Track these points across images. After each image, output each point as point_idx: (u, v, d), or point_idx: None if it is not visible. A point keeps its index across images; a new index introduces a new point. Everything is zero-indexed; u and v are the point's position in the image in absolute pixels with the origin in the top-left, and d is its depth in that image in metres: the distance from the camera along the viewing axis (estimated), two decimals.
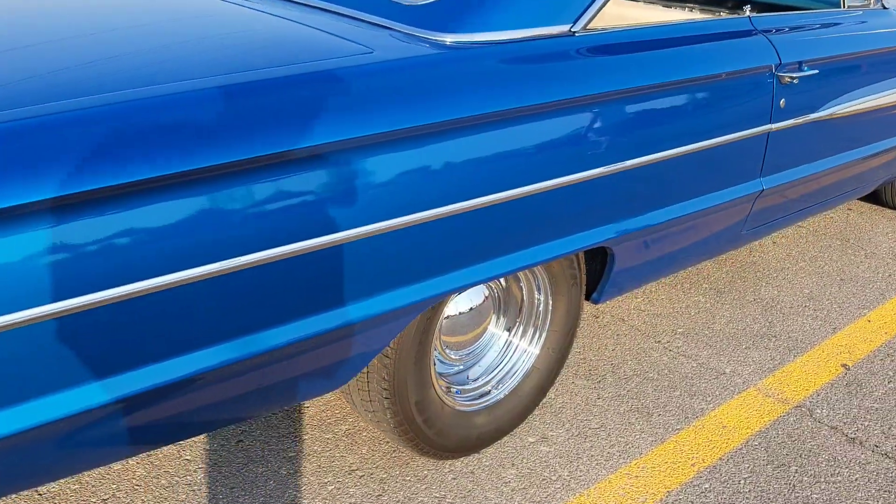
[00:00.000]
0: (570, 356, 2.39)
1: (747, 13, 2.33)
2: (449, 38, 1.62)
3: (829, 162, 2.59)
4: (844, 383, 2.34)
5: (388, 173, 1.42)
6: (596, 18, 1.89)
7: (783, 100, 2.25)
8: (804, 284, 2.93)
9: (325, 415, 2.06)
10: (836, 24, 2.56)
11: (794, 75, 2.23)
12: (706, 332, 2.58)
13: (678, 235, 2.16)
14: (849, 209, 3.70)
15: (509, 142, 1.61)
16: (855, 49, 2.53)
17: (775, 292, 2.86)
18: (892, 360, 2.47)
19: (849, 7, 2.69)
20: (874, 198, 3.70)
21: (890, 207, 3.68)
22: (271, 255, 1.30)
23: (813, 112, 2.39)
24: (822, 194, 2.71)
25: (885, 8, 2.84)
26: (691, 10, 3.37)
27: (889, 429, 2.15)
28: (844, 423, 2.17)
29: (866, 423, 2.17)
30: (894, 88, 2.75)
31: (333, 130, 1.32)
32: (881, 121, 2.77)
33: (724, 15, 3.30)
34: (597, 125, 1.78)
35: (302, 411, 2.07)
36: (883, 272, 3.06)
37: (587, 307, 2.67)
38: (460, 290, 1.63)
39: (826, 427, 2.14)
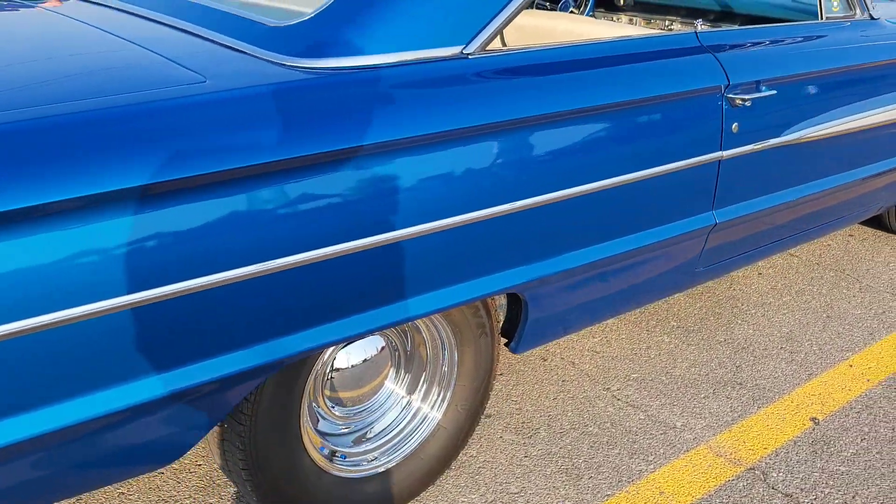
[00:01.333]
0: (504, 405, 2.17)
1: (698, 27, 2.10)
2: (314, 64, 1.44)
3: (801, 191, 2.32)
4: (810, 441, 2.08)
5: (228, 217, 1.23)
6: (507, 36, 1.69)
7: (736, 124, 2.01)
8: (784, 322, 2.67)
9: (216, 475, 1.88)
10: (809, 38, 2.31)
11: (747, 97, 1.99)
12: (663, 378, 2.34)
13: (612, 277, 1.94)
14: (850, 235, 3.41)
15: (387, 178, 1.43)
16: (829, 65, 2.27)
17: (750, 331, 2.60)
18: (870, 413, 2.20)
19: (827, 18, 2.43)
20: (878, 222, 3.40)
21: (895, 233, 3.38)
22: (62, 317, 1.12)
23: (776, 136, 2.14)
24: (797, 226, 2.45)
25: (873, 18, 2.56)
26: (669, 24, 3.14)
27: (853, 497, 1.88)
28: (802, 489, 1.91)
29: (827, 491, 1.91)
30: (882, 107, 2.47)
31: (134, 174, 1.14)
32: (867, 143, 2.50)
33: (674, 30, 3.07)
34: (495, 157, 1.57)
35: (191, 470, 1.89)
36: (876, 308, 2.78)
37: (537, 349, 2.45)
38: (320, 348, 1.43)
39: (780, 494, 1.89)
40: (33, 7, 1.92)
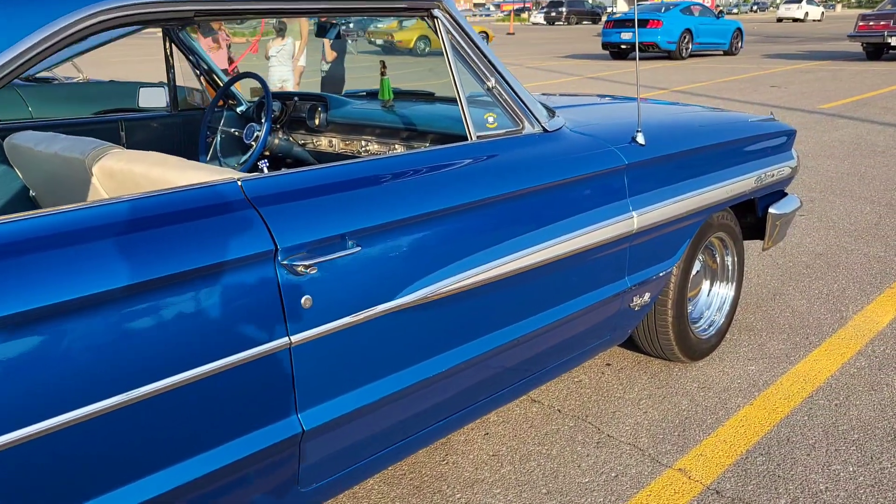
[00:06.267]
0: None
1: (264, 171, 1.61)
2: None
3: (441, 363, 1.79)
4: None
5: None
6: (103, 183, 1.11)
7: (307, 297, 1.49)
8: None
9: None
10: (442, 167, 1.85)
11: (311, 262, 1.48)
12: None
13: None
14: (606, 364, 2.95)
15: None
16: (464, 199, 1.81)
17: None
18: None
19: (478, 138, 1.99)
20: (634, 345, 2.97)
21: (653, 356, 2.96)
22: None
23: (385, 301, 1.63)
24: (453, 404, 1.91)
25: (547, 131, 2.15)
26: (366, 145, 2.69)
27: None
28: None
29: None
30: (558, 238, 2.03)
31: None
32: (545, 283, 2.04)
33: (370, 151, 2.63)
34: None
35: None
36: (608, 473, 2.27)
37: None
38: None
39: None
40: None
